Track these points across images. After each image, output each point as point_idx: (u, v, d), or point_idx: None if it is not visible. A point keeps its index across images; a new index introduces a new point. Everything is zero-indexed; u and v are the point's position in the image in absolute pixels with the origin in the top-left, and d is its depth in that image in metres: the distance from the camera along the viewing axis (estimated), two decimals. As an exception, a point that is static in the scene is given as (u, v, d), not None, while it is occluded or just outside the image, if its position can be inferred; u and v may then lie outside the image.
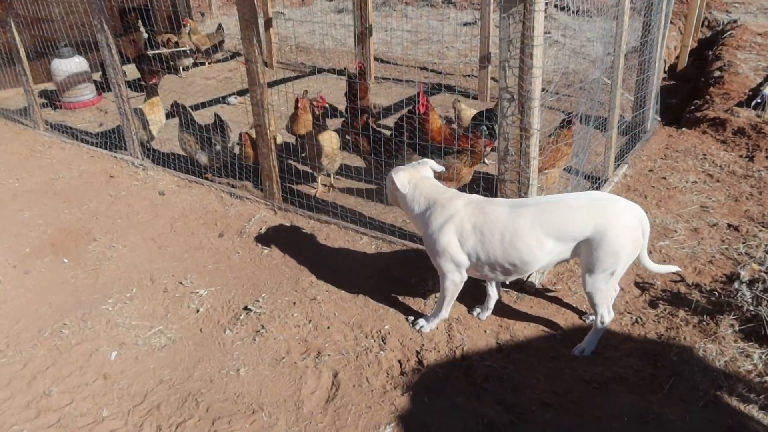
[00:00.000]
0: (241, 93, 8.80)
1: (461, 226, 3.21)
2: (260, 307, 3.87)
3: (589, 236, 3.06)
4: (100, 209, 5.28)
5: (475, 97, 8.53)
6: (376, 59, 9.97)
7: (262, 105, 4.80)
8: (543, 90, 3.52)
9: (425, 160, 3.56)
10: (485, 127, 5.40)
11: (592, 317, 3.66)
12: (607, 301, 3.25)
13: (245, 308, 3.89)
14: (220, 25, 10.38)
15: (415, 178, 3.44)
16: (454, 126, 5.52)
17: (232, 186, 5.71)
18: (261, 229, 4.84)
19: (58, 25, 8.04)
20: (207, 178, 5.86)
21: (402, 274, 4.15)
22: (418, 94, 5.03)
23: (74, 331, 3.73)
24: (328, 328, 3.68)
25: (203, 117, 7.95)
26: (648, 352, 3.42)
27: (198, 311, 3.90)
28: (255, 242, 4.67)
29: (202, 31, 10.78)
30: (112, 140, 6.62)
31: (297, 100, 5.90)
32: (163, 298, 4.05)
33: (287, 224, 4.91)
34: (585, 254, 3.13)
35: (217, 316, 3.86)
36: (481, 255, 3.21)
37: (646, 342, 3.51)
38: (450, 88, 9.01)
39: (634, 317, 3.72)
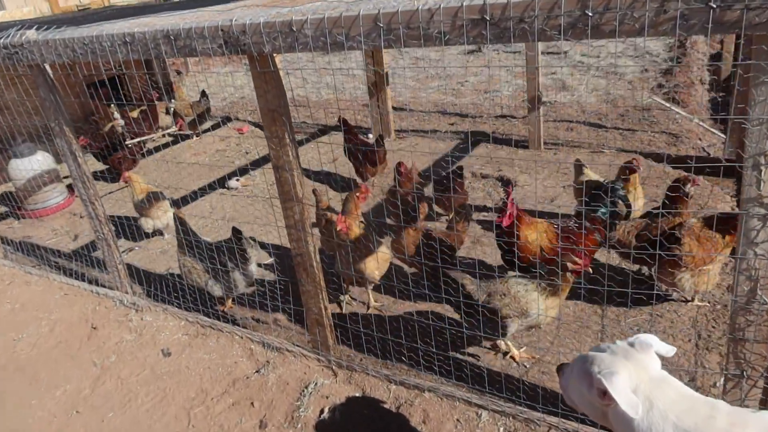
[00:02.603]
0: (242, 172, 7.29)
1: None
2: None
3: None
4: (82, 392, 3.69)
5: (525, 146, 7.09)
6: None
7: (303, 228, 3.28)
8: None
9: (646, 339, 2.03)
10: (604, 210, 3.90)
11: None
12: None
13: None
14: (204, 92, 8.91)
15: (643, 382, 1.90)
16: (558, 225, 3.90)
17: (259, 321, 4.16)
18: (323, 410, 3.27)
19: (14, 114, 6.51)
20: (222, 311, 4.31)
21: (574, 493, 2.59)
22: (504, 203, 3.55)
23: None
24: None
25: (201, 209, 6.45)
26: None
27: None
28: (319, 437, 3.10)
29: (188, 96, 9.32)
30: (90, 261, 5.08)
31: (362, 189, 4.31)
32: None
33: (358, 395, 3.34)
34: None
35: None
36: None
37: None
38: (494, 137, 7.56)
39: None
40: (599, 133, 7.41)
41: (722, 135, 7.11)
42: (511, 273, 3.57)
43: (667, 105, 8.06)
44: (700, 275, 3.62)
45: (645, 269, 4.11)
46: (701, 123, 7.60)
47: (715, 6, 1.80)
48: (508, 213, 3.51)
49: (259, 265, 4.45)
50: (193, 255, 4.20)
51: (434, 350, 3.35)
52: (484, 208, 5.65)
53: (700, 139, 7.10)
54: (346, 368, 3.54)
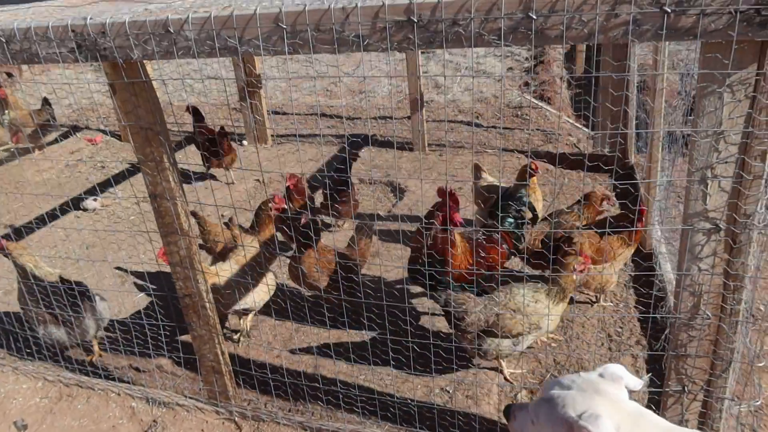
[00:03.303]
0: (100, 189, 6.39)
1: None
2: None
3: None
4: None
5: (410, 149, 6.95)
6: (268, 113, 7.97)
7: (191, 264, 2.77)
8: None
9: (615, 370, 1.83)
10: (511, 220, 3.79)
11: None
12: None
13: None
14: (46, 99, 7.75)
15: (623, 420, 1.69)
16: (474, 236, 3.66)
17: (140, 371, 3.56)
18: (231, 477, 2.80)
19: None
20: (91, 363, 3.65)
21: None
22: (438, 208, 3.26)
23: None
24: None
25: (52, 237, 5.53)
26: None
27: None
28: None
29: (23, 102, 8.04)
30: None
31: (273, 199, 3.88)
32: None
33: (271, 451, 2.91)
34: None
35: None
36: None
37: None
38: (376, 140, 7.32)
39: None
40: (479, 132, 7.48)
41: (587, 130, 7.50)
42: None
43: (538, 103, 8.37)
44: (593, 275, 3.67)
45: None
46: (568, 119, 7.96)
47: (669, 11, 1.64)
48: (451, 214, 3.20)
49: (143, 286, 3.81)
50: (30, 296, 3.49)
51: (356, 390, 3.01)
52: (378, 217, 5.40)
53: (570, 135, 7.42)
54: (251, 419, 3.08)
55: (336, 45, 1.96)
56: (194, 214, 4.09)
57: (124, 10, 2.43)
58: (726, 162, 1.87)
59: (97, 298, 3.61)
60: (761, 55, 1.71)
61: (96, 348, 3.73)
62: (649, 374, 3.24)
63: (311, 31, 1.96)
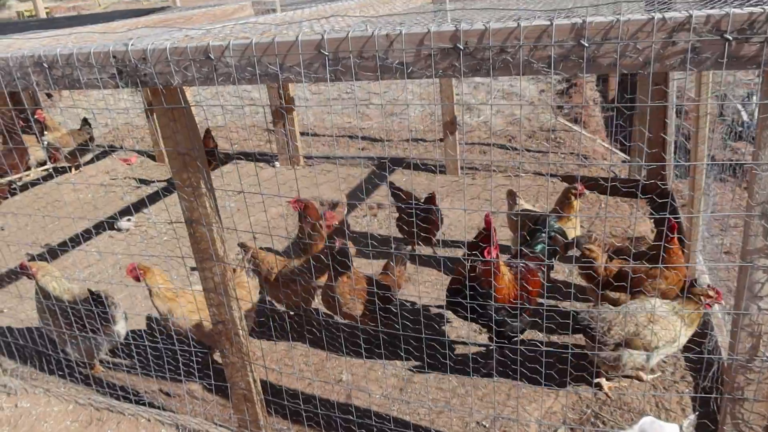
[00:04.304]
0: (134, 210, 6.47)
1: None
2: None
3: None
4: None
5: (442, 172, 6.89)
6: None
7: (225, 292, 2.74)
8: None
9: (654, 424, 1.75)
10: (542, 244, 3.67)
11: None
12: None
13: None
14: (85, 119, 7.92)
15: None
16: (516, 264, 3.52)
17: (170, 395, 3.53)
18: None
19: None
20: (93, 372, 3.68)
21: None
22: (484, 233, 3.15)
23: None
24: None
25: (87, 256, 5.59)
26: None
27: None
28: None
29: (59, 122, 8.22)
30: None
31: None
32: None
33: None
34: None
35: None
36: None
37: None
38: (409, 163, 7.27)
39: None
40: (512, 155, 7.39)
41: (622, 154, 7.34)
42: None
43: (571, 126, 8.25)
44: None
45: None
46: (602, 143, 7.82)
47: (731, 38, 1.56)
48: (494, 247, 3.08)
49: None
50: (49, 309, 3.55)
51: (391, 423, 2.92)
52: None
53: (605, 159, 7.27)
54: (281, 449, 3.02)
55: (379, 72, 1.92)
56: (243, 246, 4.03)
57: (164, 36, 2.44)
58: (792, 193, 1.77)
59: (117, 315, 3.63)
60: (830, 84, 1.62)
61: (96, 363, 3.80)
62: (696, 413, 3.08)
63: (354, 59, 1.93)
